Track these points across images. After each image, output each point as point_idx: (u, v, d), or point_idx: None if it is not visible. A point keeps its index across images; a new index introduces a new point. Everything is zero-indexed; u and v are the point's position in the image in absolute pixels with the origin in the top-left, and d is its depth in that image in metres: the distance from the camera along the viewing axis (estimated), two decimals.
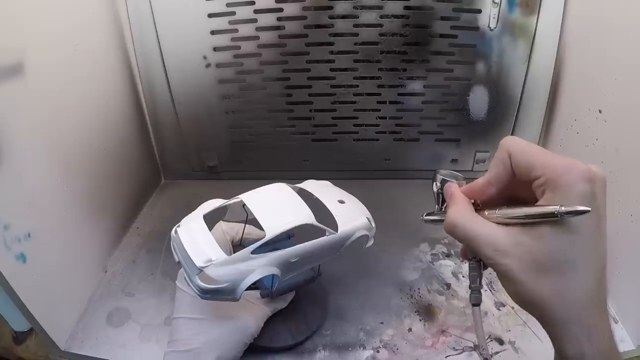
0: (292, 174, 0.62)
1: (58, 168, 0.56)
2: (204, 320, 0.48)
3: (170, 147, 0.84)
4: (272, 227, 0.45)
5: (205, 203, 0.52)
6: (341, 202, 0.54)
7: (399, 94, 0.74)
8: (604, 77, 0.59)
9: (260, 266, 0.44)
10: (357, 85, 0.73)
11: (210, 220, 0.50)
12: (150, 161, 0.84)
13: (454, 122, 0.77)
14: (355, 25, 0.68)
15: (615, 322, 0.56)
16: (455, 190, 0.35)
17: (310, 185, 0.57)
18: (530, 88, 0.73)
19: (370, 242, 0.53)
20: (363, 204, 0.56)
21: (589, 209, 0.25)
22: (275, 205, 0.49)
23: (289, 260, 0.46)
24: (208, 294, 0.43)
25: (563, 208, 0.26)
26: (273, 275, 0.46)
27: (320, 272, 0.55)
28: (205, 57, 0.72)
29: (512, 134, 0.77)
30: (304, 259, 0.47)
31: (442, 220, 0.35)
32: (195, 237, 0.46)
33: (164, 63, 0.74)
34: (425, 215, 0.39)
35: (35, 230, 0.50)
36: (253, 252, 0.44)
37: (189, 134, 0.81)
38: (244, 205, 0.50)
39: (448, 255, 0.67)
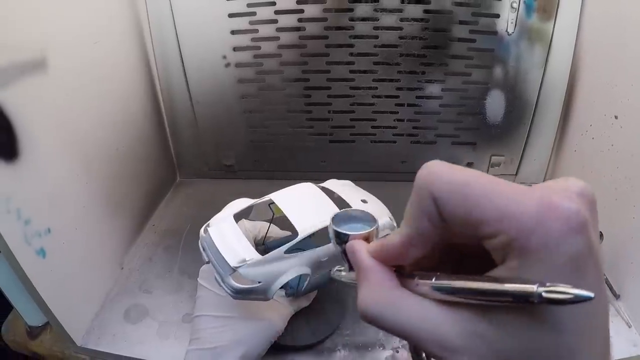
0: (309, 174, 0.63)
1: (78, 165, 0.56)
2: (230, 318, 0.47)
3: (187, 145, 0.84)
4: (305, 227, 0.46)
5: (232, 202, 0.53)
6: (364, 201, 0.54)
7: (417, 97, 0.75)
8: (620, 82, 0.59)
9: (293, 266, 0.45)
10: (376, 88, 0.74)
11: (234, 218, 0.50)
12: (167, 159, 0.84)
13: (470, 125, 0.77)
14: (375, 28, 0.69)
15: (629, 327, 0.55)
16: (363, 256, 0.22)
17: (332, 184, 0.57)
18: (546, 93, 0.73)
19: None
20: None
21: (592, 294, 0.14)
22: (306, 205, 0.49)
23: (320, 259, 0.46)
24: (240, 294, 0.43)
25: (544, 293, 0.15)
26: (301, 275, 0.46)
27: None
28: (224, 57, 0.72)
29: (527, 138, 0.78)
30: (333, 258, 0.48)
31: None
32: (227, 237, 0.46)
33: (183, 62, 0.74)
34: (335, 271, 0.28)
35: (55, 225, 0.50)
36: (286, 251, 0.44)
37: (206, 132, 0.81)
38: (270, 204, 0.50)
39: None
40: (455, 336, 0.18)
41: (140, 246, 0.71)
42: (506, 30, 0.68)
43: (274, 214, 0.53)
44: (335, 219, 0.27)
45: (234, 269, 0.42)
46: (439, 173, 0.18)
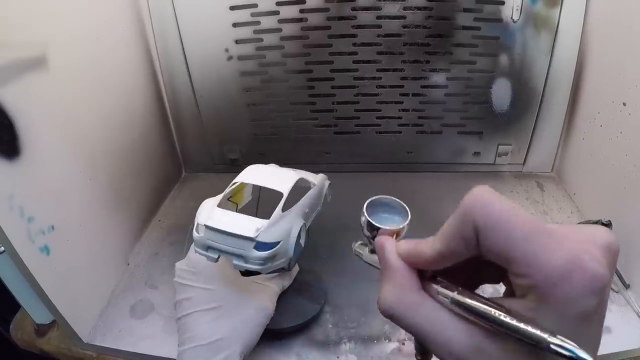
0: (314, 167, 0.62)
1: (82, 161, 0.56)
2: (222, 308, 0.47)
3: (192, 140, 0.84)
4: (284, 186, 0.48)
5: (203, 203, 0.51)
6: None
7: (421, 86, 0.74)
8: (629, 69, 0.58)
9: (293, 219, 0.47)
10: (380, 78, 0.73)
11: None
12: (172, 154, 0.84)
13: (476, 114, 0.76)
14: (378, 17, 0.68)
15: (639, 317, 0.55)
16: (391, 256, 0.24)
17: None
18: (553, 80, 0.72)
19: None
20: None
21: (590, 358, 0.16)
22: (270, 175, 0.52)
23: (304, 210, 0.50)
24: (268, 261, 0.44)
25: (552, 345, 0.17)
26: (301, 227, 0.48)
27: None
28: (227, 50, 0.72)
29: (534, 127, 0.77)
30: (310, 209, 0.53)
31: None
32: (229, 220, 0.45)
33: (185, 56, 0.74)
34: (359, 245, 0.30)
35: (59, 222, 0.50)
36: (283, 209, 0.46)
37: (210, 127, 0.80)
38: (229, 198, 0.52)
39: None
40: (464, 347, 0.20)
41: (146, 242, 0.71)
42: (511, 18, 0.67)
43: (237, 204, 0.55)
44: (369, 205, 0.29)
45: (255, 239, 0.42)
46: (486, 204, 0.19)
